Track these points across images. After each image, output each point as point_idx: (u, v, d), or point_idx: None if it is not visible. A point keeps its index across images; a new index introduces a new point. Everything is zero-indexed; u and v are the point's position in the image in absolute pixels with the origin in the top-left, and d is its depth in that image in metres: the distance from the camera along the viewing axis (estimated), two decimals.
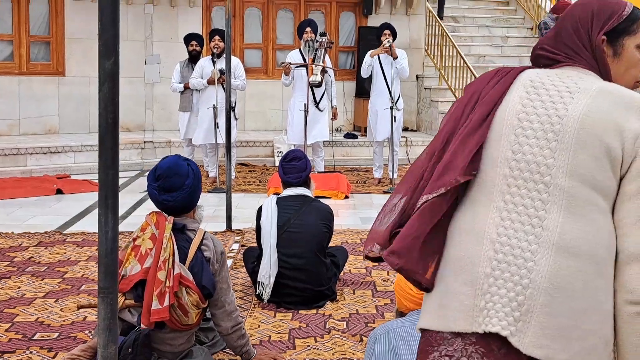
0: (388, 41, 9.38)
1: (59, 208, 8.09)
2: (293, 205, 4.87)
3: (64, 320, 4.50)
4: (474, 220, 1.96)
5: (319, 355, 4.07)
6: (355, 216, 7.90)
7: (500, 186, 1.94)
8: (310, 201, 4.95)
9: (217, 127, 9.14)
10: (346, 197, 8.82)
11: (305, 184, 4.98)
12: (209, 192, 9.06)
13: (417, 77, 13.20)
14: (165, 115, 12.16)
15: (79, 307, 3.86)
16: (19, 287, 5.13)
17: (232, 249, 6.28)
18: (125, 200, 8.47)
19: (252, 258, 5.03)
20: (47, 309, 4.68)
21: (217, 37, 9.39)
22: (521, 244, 1.84)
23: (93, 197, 8.52)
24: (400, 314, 3.02)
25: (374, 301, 4.98)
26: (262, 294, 4.84)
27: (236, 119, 9.69)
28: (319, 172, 9.45)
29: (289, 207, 4.86)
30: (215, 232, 6.88)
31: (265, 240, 4.80)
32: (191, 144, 10.13)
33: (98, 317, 2.47)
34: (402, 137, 11.83)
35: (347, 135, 12.16)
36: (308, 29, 9.48)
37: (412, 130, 13.09)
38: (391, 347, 2.83)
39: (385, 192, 9.22)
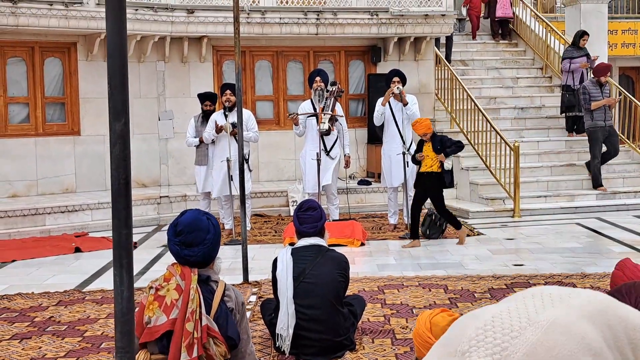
0: (398, 88, 9.47)
1: (78, 266, 8.14)
2: (308, 255, 4.88)
3: None
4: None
5: None
6: (372, 263, 7.88)
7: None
8: (325, 251, 4.95)
9: (232, 180, 9.21)
10: (362, 244, 8.81)
11: (320, 233, 4.99)
12: (225, 244, 9.07)
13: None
14: (180, 170, 12.25)
15: None
16: (40, 347, 5.15)
17: (250, 301, 6.27)
18: (142, 255, 8.52)
19: (269, 310, 5.03)
20: None
21: (228, 92, 9.51)
22: (520, 316, 1.95)
23: (111, 254, 8.55)
24: None
25: (394, 349, 4.94)
26: (281, 346, 4.82)
27: (250, 170, 9.76)
28: (333, 220, 9.46)
29: (304, 257, 4.87)
30: (233, 285, 6.87)
31: (281, 291, 4.80)
32: (208, 197, 10.19)
33: None
34: None
35: (361, 182, 12.20)
36: (317, 78, 9.61)
37: None
38: None
39: (400, 238, 9.21)
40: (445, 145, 8.55)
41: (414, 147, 9.77)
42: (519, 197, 10.74)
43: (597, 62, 12.64)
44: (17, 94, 11.37)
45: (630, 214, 10.63)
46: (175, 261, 3.93)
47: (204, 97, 9.96)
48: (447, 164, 8.56)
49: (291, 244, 8.73)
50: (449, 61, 14.25)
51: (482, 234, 9.40)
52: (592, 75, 11.78)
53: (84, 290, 6.85)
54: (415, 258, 8.14)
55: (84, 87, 11.69)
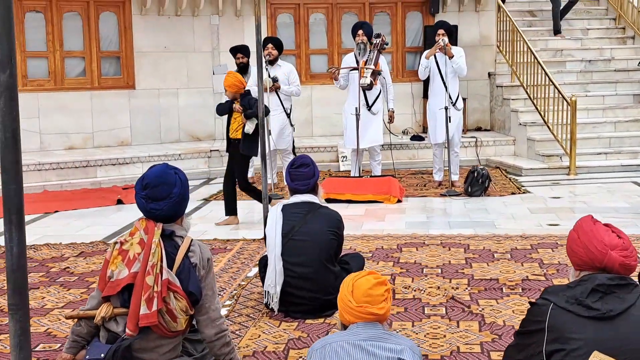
0: (443, 40, 9.16)
1: (116, 218, 8.27)
2: (299, 212, 4.76)
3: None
4: None
5: None
6: (401, 221, 7.69)
7: None
8: (317, 208, 4.82)
9: (270, 134, 9.13)
10: (398, 201, 8.62)
11: (313, 190, 4.86)
12: None
13: (489, 74, 12.83)
14: None
15: (67, 317, 3.90)
16: (43, 298, 5.26)
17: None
18: None
19: (263, 267, 4.96)
20: (59, 320, 4.76)
21: (270, 45, 9.41)
22: None
23: None
24: (343, 326, 2.88)
25: None
26: (269, 304, 4.77)
27: (292, 125, 9.66)
28: (372, 176, 9.29)
29: (294, 214, 4.76)
30: (254, 239, 6.87)
31: (270, 248, 4.73)
32: None
33: (9, 334, 2.46)
34: (471, 137, 11.59)
35: (414, 138, 11.93)
36: (360, 32, 9.37)
37: (485, 130, 12.73)
38: None
39: (441, 195, 8.97)
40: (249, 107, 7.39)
41: (460, 102, 9.48)
42: (575, 153, 10.27)
43: None
44: (74, 49, 11.57)
45: None
46: (142, 217, 3.91)
47: (235, 50, 9.89)
48: (247, 127, 7.32)
49: (327, 200, 8.70)
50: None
51: (529, 192, 9.05)
52: None
53: (108, 242, 6.95)
54: (448, 216, 7.91)
55: (138, 41, 11.80)
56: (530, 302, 2.90)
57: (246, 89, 9.59)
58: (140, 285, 3.66)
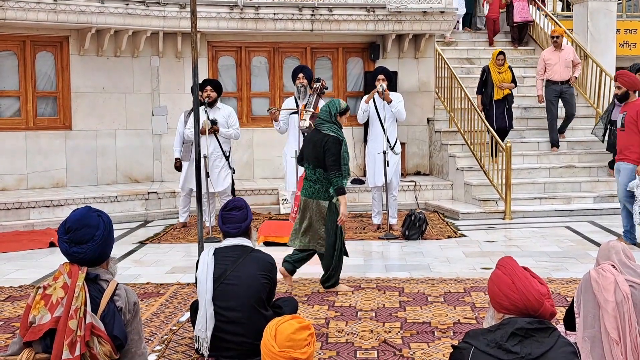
0: (381, 85, 9.29)
1: (48, 261, 8.07)
2: (230, 256, 4.71)
3: None
4: None
5: None
6: None
7: None
8: (250, 251, 4.78)
9: (208, 177, 9.10)
10: None
11: (245, 234, 4.83)
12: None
13: (428, 120, 13.03)
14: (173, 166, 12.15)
15: None
16: None
17: None
18: (114, 252, 8.42)
19: (195, 311, 4.88)
20: None
21: (208, 87, 9.41)
22: None
23: None
24: None
25: (320, 354, 4.77)
26: (200, 349, 4.69)
27: (231, 167, 9.61)
28: None
29: (226, 258, 4.71)
30: (188, 283, 6.78)
31: (201, 292, 4.66)
32: (189, 195, 10.11)
33: None
34: (410, 181, 11.73)
35: (355, 181, 11.99)
36: (300, 75, 9.46)
37: (424, 174, 12.88)
38: None
39: (379, 239, 9.01)
40: None
41: (398, 146, 9.58)
42: (510, 198, 10.46)
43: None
44: (8, 88, 11.37)
45: None
46: (67, 261, 3.83)
47: (205, 84, 9.50)
48: None
49: (265, 243, 8.66)
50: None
51: (465, 236, 9.16)
52: None
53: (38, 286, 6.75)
54: (385, 259, 7.94)
55: (75, 81, 11.67)
56: (452, 346, 2.92)
57: (186, 131, 9.60)
58: (62, 330, 3.58)
